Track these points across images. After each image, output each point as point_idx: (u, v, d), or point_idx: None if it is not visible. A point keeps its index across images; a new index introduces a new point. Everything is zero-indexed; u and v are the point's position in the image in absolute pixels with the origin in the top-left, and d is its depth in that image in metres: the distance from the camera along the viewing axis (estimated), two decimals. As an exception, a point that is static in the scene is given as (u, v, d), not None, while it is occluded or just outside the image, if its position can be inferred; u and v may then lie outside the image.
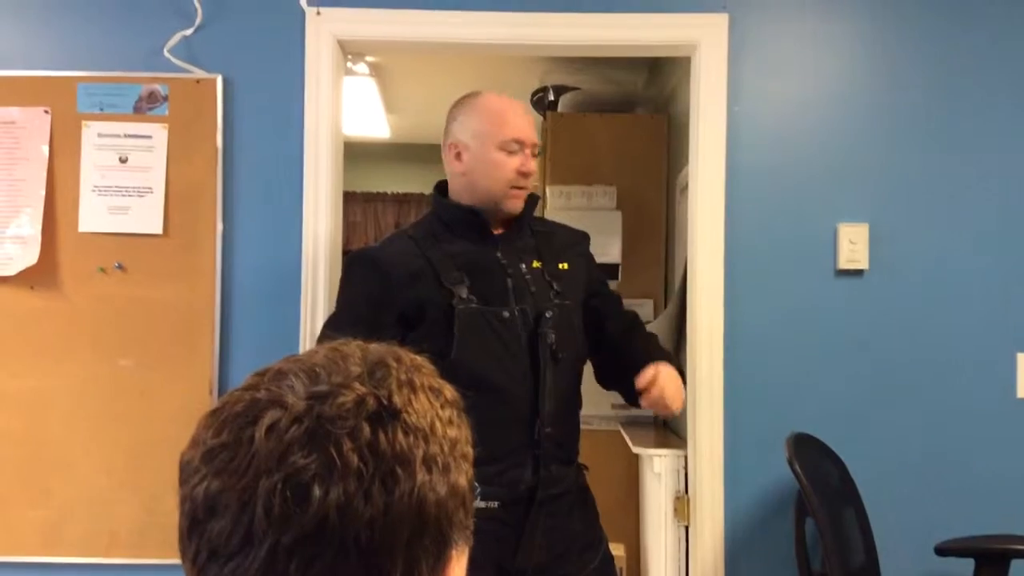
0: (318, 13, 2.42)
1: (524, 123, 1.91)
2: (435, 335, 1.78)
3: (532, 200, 1.95)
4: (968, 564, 2.19)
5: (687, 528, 2.50)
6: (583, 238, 2.08)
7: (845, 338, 2.42)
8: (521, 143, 1.89)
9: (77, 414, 2.38)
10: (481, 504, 1.72)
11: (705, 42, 2.43)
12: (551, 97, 3.96)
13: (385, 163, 5.90)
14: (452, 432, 0.66)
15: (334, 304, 2.09)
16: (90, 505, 2.37)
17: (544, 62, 3.83)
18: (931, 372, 2.41)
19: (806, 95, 2.45)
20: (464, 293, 1.81)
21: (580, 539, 1.90)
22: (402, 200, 6.01)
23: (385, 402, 0.63)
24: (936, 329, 2.42)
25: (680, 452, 2.62)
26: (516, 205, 1.91)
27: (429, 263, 1.85)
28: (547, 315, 1.85)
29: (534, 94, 4.13)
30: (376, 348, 0.69)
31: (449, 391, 0.70)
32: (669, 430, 3.32)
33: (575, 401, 1.95)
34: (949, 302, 2.42)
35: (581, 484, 1.94)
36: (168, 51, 2.41)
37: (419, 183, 5.98)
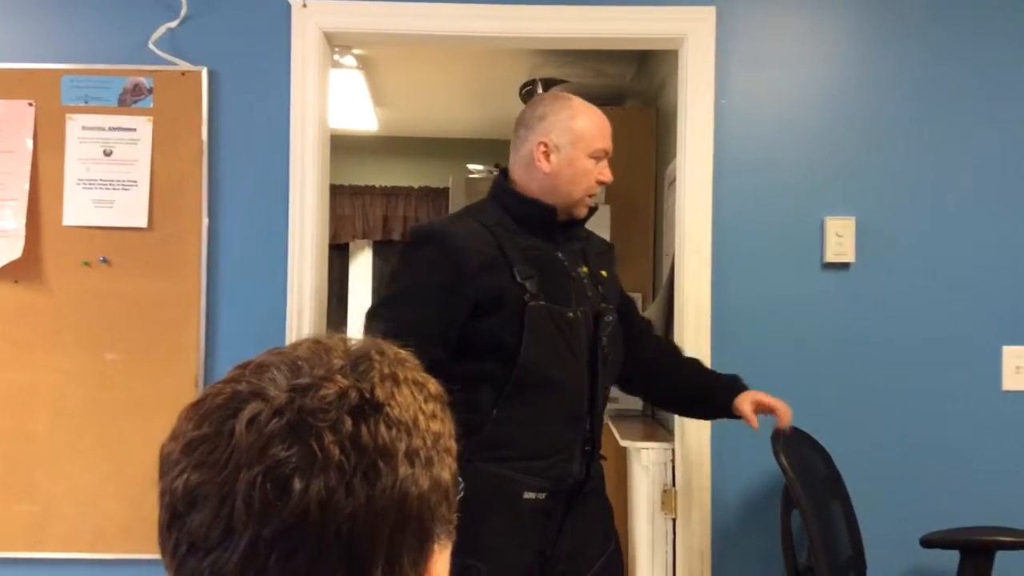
0: (304, 5, 2.41)
1: (610, 133, 1.97)
2: (504, 328, 1.82)
3: (591, 212, 2.01)
4: (953, 556, 2.20)
5: (674, 521, 2.51)
6: (611, 247, 2.17)
7: (832, 331, 2.42)
8: (606, 153, 1.95)
9: (62, 408, 2.37)
10: (531, 495, 1.83)
11: (692, 35, 2.43)
12: (540, 90, 3.96)
13: (373, 156, 5.88)
14: (435, 426, 0.66)
15: (318, 290, 2.04)
16: (76, 500, 2.36)
17: (533, 55, 3.83)
18: (917, 365, 2.42)
19: (793, 89, 2.46)
20: (534, 289, 1.84)
21: (600, 524, 1.99)
22: (390, 193, 5.99)
23: (367, 395, 0.62)
24: (922, 322, 2.43)
25: (667, 445, 2.63)
26: (583, 211, 1.97)
27: (503, 254, 1.86)
28: (606, 319, 1.93)
29: (523, 87, 4.13)
30: (359, 342, 0.69)
31: (433, 385, 0.69)
32: (657, 423, 3.33)
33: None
34: (935, 295, 2.43)
35: (602, 473, 2.04)
36: (153, 43, 2.39)
37: (407, 176, 5.97)
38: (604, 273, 2.02)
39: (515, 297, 1.82)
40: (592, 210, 2.01)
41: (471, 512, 1.86)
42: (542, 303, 1.84)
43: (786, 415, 1.98)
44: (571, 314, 1.88)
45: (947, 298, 2.43)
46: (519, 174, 1.96)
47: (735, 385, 2.04)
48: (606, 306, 1.96)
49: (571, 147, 1.91)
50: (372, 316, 1.87)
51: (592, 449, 1.93)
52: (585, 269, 1.97)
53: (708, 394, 2.05)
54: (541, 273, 1.86)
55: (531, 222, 1.92)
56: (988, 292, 2.43)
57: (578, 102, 1.97)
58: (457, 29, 2.45)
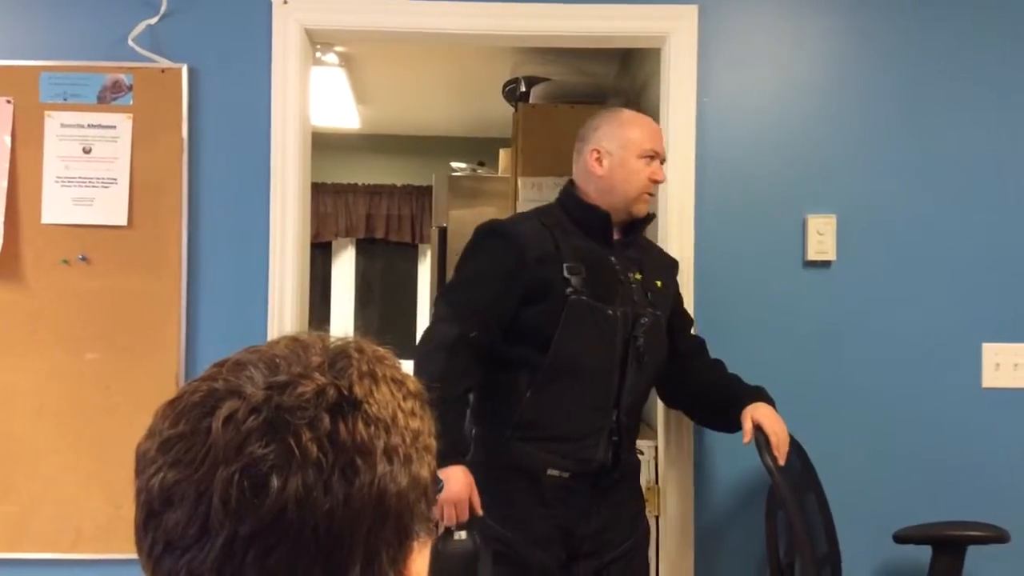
0: (285, 2, 2.40)
1: (659, 137, 2.14)
2: (545, 317, 1.98)
3: (649, 218, 2.15)
4: (927, 551, 2.22)
5: (657, 519, 2.51)
6: (675, 263, 2.29)
7: (813, 328, 2.44)
8: (656, 154, 2.11)
9: (42, 408, 2.35)
10: (554, 472, 2.00)
11: (675, 33, 2.44)
12: (522, 88, 3.95)
13: (356, 154, 5.86)
14: (414, 423, 0.66)
15: (299, 289, 2.04)
16: (55, 500, 2.34)
17: (515, 53, 3.82)
18: (897, 362, 2.44)
19: (775, 87, 2.47)
20: (579, 285, 2.00)
21: (628, 510, 2.12)
22: (373, 191, 5.97)
23: (346, 392, 0.62)
24: (902, 319, 2.44)
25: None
26: (643, 209, 2.12)
27: (558, 250, 2.02)
28: (642, 320, 2.05)
29: (506, 85, 4.12)
30: (338, 339, 0.69)
31: (412, 383, 0.69)
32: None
33: (645, 399, 2.18)
34: (916, 293, 2.44)
35: (635, 464, 2.19)
36: (132, 40, 2.37)
37: (390, 174, 5.95)
38: (659, 284, 2.15)
39: (559, 290, 1.99)
40: (651, 216, 2.15)
41: (504, 484, 1.95)
42: (583, 298, 1.99)
43: (779, 444, 2.01)
44: (611, 312, 2.02)
45: (928, 296, 2.45)
46: (581, 181, 2.14)
47: (749, 397, 2.08)
48: (651, 311, 2.08)
49: (622, 150, 2.08)
50: (438, 300, 2.08)
51: (620, 440, 2.04)
52: (638, 276, 2.10)
53: (727, 407, 2.11)
54: (589, 271, 2.02)
55: (589, 225, 2.08)
56: (969, 290, 2.45)
57: (627, 112, 2.17)
58: (439, 26, 2.44)
